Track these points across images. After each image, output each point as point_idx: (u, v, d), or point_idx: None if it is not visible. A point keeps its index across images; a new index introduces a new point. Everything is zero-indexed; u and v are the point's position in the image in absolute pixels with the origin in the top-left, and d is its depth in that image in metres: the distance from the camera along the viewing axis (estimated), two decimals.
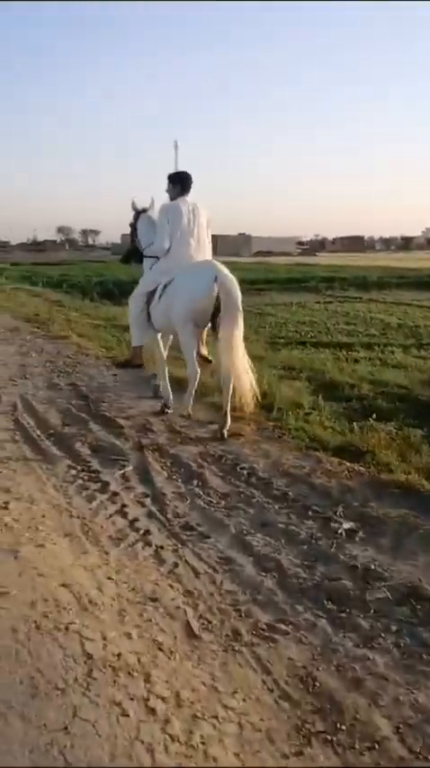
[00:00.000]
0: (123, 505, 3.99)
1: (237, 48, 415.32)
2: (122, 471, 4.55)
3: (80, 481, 4.38)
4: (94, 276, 33.25)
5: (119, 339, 10.60)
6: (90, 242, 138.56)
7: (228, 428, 5.33)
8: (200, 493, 4.19)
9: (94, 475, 4.49)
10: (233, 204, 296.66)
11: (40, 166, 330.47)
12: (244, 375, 5.32)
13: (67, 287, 25.94)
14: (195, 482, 4.37)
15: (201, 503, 4.04)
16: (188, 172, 5.93)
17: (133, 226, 6.33)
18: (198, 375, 5.56)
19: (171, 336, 6.29)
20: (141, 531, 3.64)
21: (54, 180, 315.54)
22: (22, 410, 6.11)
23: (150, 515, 3.88)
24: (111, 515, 3.85)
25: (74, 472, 4.54)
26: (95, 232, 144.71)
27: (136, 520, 3.80)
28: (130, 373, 7.71)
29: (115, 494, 4.17)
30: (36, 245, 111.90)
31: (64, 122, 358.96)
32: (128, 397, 6.68)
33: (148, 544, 3.49)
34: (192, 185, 5.86)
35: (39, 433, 5.42)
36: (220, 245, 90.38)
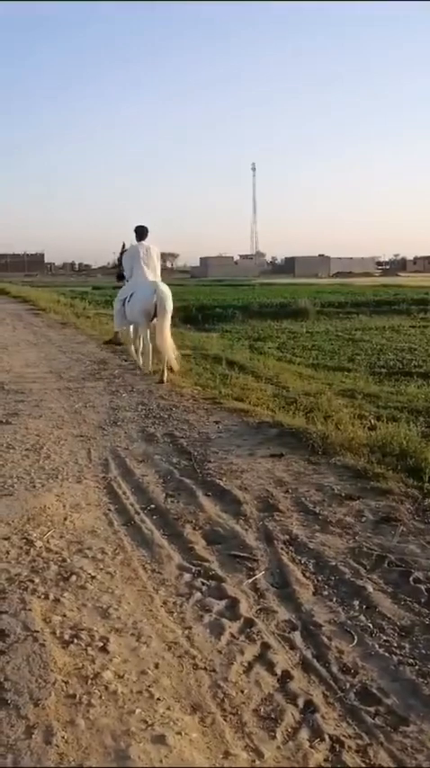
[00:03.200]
0: (264, 645, 2.81)
1: (309, 63, 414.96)
2: (252, 579, 3.39)
3: (198, 594, 3.23)
4: (176, 300, 32.78)
5: (212, 373, 9.55)
6: (169, 265, 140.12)
7: (165, 378, 8.56)
8: (368, 625, 2.97)
9: (214, 584, 3.34)
10: (310, 225, 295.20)
11: (119, 192, 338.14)
12: (170, 347, 8.86)
13: None
14: (357, 603, 3.15)
15: (376, 645, 2.82)
16: (144, 225, 9.58)
17: (119, 260, 10.31)
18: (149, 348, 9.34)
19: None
20: (301, 703, 2.45)
21: (133, 204, 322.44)
22: (116, 472, 5.06)
23: (306, 667, 2.68)
24: (250, 666, 2.67)
25: (188, 577, 3.40)
26: (174, 255, 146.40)
27: (288, 677, 2.61)
28: (235, 420, 6.62)
29: (249, 622, 3.00)
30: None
31: (150, 151, 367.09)
32: (237, 454, 5.54)
33: (317, 734, 2.29)
34: (148, 233, 9.59)
35: (137, 507, 4.33)
36: (298, 266, 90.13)
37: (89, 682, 2.47)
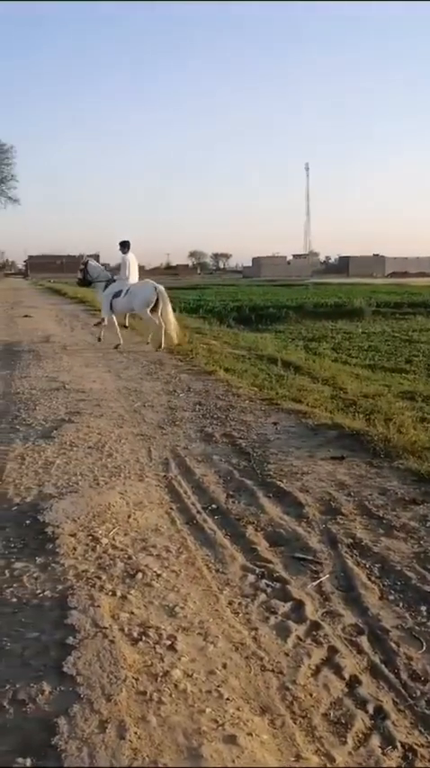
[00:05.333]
0: (331, 649, 2.79)
1: (368, 67, 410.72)
2: (317, 582, 3.37)
3: (263, 596, 3.23)
4: (230, 301, 32.79)
5: (268, 374, 9.52)
6: (221, 265, 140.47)
7: (163, 346, 11.69)
8: None
9: (279, 585, 3.33)
10: (365, 224, 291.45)
11: (166, 193, 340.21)
12: (174, 326, 11.93)
13: (204, 312, 25.46)
14: (424, 609, 3.10)
15: None
16: (127, 239, 12.60)
17: (84, 268, 13.42)
18: (158, 327, 11.82)
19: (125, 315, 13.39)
20: (370, 709, 2.42)
21: (186, 205, 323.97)
22: (176, 471, 5.09)
23: (375, 673, 2.65)
24: (318, 669, 2.66)
25: (252, 578, 3.40)
26: (226, 255, 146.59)
27: (356, 681, 2.58)
28: (293, 421, 6.59)
29: (315, 625, 2.98)
30: (169, 269, 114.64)
31: (200, 152, 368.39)
32: (296, 456, 5.50)
33: (389, 741, 2.26)
34: (131, 245, 12.61)
35: (199, 507, 4.35)
36: (353, 266, 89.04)
37: (159, 679, 2.50)
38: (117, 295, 12.37)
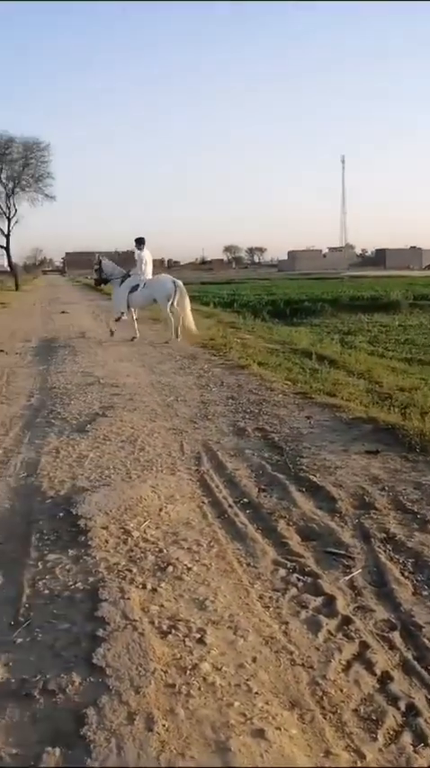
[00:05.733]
0: (363, 644, 2.76)
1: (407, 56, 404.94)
2: (349, 577, 3.33)
3: (294, 590, 3.21)
4: (265, 294, 32.66)
5: (302, 368, 9.46)
6: (256, 260, 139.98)
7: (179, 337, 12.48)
8: None
9: (310, 580, 3.30)
10: (402, 217, 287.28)
11: (204, 188, 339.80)
12: (191, 320, 12.69)
13: (238, 306, 25.40)
14: None
15: None
16: (142, 236, 13.18)
17: (99, 267, 13.78)
18: (172, 320, 12.54)
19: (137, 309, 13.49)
20: (402, 706, 2.38)
21: (220, 200, 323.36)
22: (208, 465, 5.09)
23: (407, 669, 2.61)
24: (349, 665, 2.62)
25: (283, 573, 3.38)
26: (261, 250, 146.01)
27: (388, 678, 2.55)
28: (326, 415, 6.53)
29: (347, 619, 2.94)
30: (204, 264, 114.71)
31: (235, 146, 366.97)
32: (330, 450, 5.45)
33: (421, 739, 2.22)
34: (146, 241, 13.17)
35: (230, 501, 4.34)
36: (389, 258, 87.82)
37: (188, 672, 2.49)
38: (133, 290, 12.85)
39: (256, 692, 2.41)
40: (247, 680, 2.48)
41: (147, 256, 13.12)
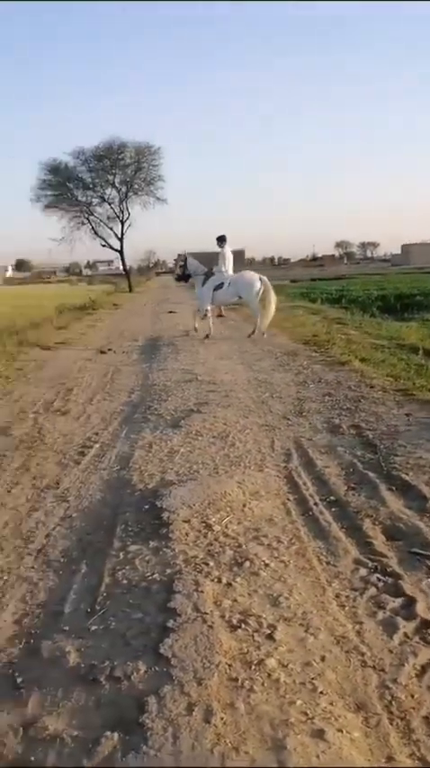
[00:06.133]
0: None
1: None
2: None
3: (373, 590, 3.11)
4: (375, 290, 31.86)
5: (407, 364, 9.13)
6: (368, 254, 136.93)
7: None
8: None
9: (391, 580, 3.19)
10: None
11: (309, 185, 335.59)
12: (273, 314, 12.91)
13: (346, 302, 24.93)
14: None
15: None
16: (224, 234, 13.34)
17: (184, 264, 13.82)
18: (258, 314, 12.82)
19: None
20: None
21: (331, 196, 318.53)
22: (298, 462, 5.03)
23: None
24: (423, 670, 2.51)
25: (363, 572, 3.29)
26: (374, 244, 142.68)
27: None
28: (427, 412, 6.28)
29: (426, 623, 2.82)
30: (315, 261, 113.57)
31: (337, 139, 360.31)
32: (426, 449, 5.24)
33: None
34: (227, 239, 13.31)
35: (317, 499, 4.27)
36: (419, 254, 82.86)
37: (253, 667, 2.48)
38: (218, 288, 13.05)
39: (321, 692, 2.35)
40: (313, 679, 2.43)
41: (228, 254, 13.31)
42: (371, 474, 4.68)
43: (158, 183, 44.18)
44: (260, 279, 12.88)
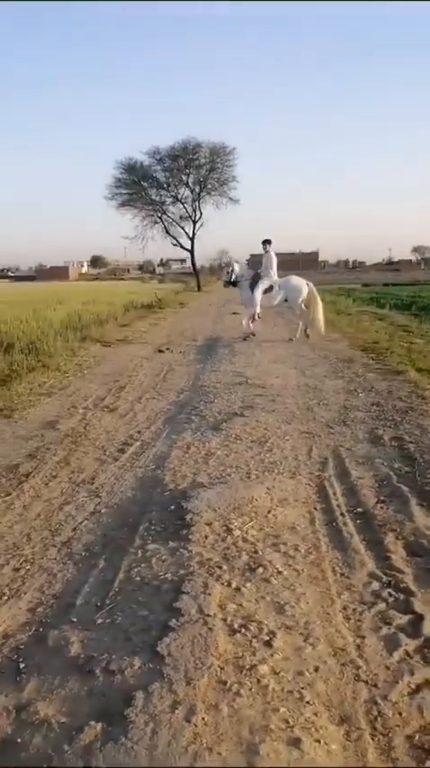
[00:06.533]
0: None
1: None
2: None
3: (382, 605, 3.10)
4: None
5: None
6: None
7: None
8: None
9: (403, 597, 3.17)
10: None
11: (391, 187, 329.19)
12: (322, 319, 13.23)
13: (417, 309, 24.40)
14: None
15: None
16: (269, 237, 13.43)
17: (231, 270, 14.13)
18: (308, 319, 13.29)
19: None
20: None
21: (409, 198, 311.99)
22: (332, 471, 5.02)
23: None
24: (417, 689, 2.51)
25: (376, 587, 3.28)
26: None
27: None
28: None
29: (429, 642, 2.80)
30: (390, 265, 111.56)
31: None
32: None
33: None
34: (272, 242, 13.41)
35: (344, 509, 4.26)
36: None
37: (244, 672, 2.53)
38: (267, 290, 13.35)
39: (307, 702, 2.38)
40: (302, 688, 2.46)
41: (274, 257, 13.48)
42: (404, 488, 4.63)
43: (232, 184, 44.42)
44: (307, 284, 13.31)
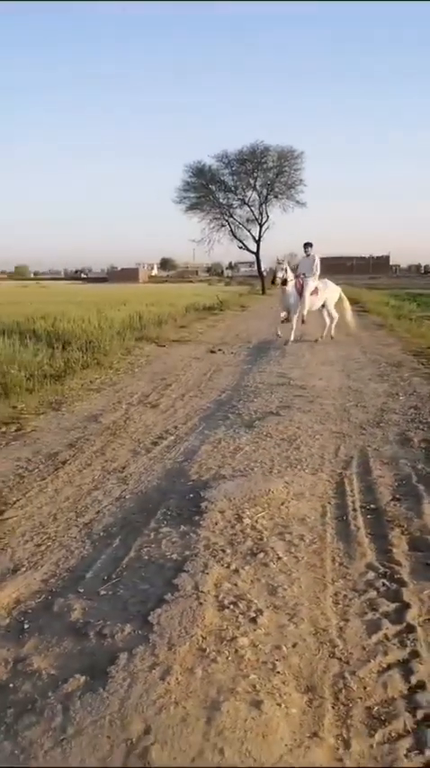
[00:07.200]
0: (413, 653, 2.75)
1: None
2: None
3: (373, 593, 3.25)
4: None
5: None
6: None
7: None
8: None
9: (395, 586, 3.31)
10: None
11: None
12: (352, 319, 14.71)
13: None
14: None
15: None
16: (311, 241, 13.81)
17: (286, 268, 13.28)
18: (333, 322, 14.10)
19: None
20: (420, 715, 2.38)
21: None
22: (355, 469, 5.14)
23: None
24: (387, 668, 2.66)
25: (371, 576, 3.42)
26: None
27: (421, 688, 2.54)
28: None
29: (410, 628, 2.94)
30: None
31: None
32: None
33: (420, 748, 2.22)
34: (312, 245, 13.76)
35: (358, 506, 4.39)
36: None
37: (224, 642, 2.73)
38: (313, 293, 13.60)
39: (278, 672, 2.57)
40: (277, 660, 2.65)
41: (316, 260, 13.72)
42: (421, 487, 4.72)
43: (299, 187, 44.40)
44: (337, 287, 14.28)
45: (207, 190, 44.54)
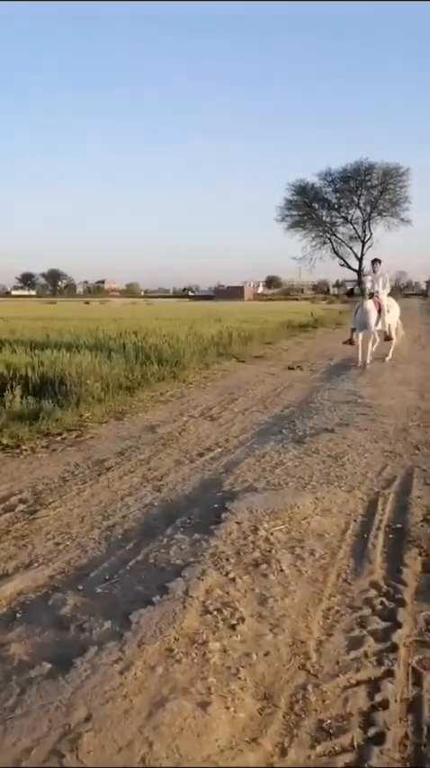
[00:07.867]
0: (388, 673, 2.71)
1: None
2: None
3: (367, 611, 3.21)
4: None
5: None
6: None
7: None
8: None
9: (392, 606, 3.25)
10: None
11: None
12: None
13: None
14: None
15: None
16: (379, 258, 13.73)
17: (364, 281, 13.08)
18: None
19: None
20: (372, 733, 2.35)
21: None
22: (395, 489, 5.05)
23: (412, 706, 2.52)
24: (355, 684, 2.63)
25: (372, 594, 3.38)
26: None
27: (382, 707, 2.50)
28: None
29: (393, 648, 2.89)
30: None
31: None
32: None
33: (361, 761, 2.20)
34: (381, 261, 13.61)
35: (384, 525, 4.32)
36: None
37: (194, 645, 2.80)
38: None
39: (240, 677, 2.61)
40: (242, 666, 2.68)
41: (386, 276, 13.57)
42: None
43: (404, 205, 43.58)
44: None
45: (309, 208, 44.57)
